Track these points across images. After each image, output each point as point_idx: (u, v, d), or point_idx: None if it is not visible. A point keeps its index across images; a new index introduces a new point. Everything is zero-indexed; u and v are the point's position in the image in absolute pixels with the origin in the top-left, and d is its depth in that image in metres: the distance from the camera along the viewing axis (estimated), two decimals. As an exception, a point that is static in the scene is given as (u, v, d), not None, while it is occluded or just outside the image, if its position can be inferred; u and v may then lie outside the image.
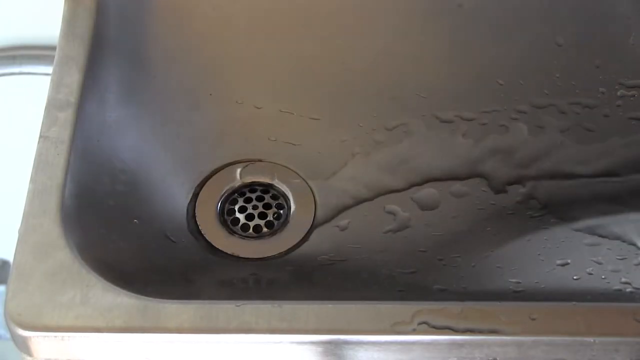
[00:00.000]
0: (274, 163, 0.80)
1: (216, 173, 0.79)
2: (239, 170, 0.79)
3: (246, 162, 0.80)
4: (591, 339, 0.60)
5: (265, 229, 0.78)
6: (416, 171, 0.79)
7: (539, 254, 0.73)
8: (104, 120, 0.75)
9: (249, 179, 0.80)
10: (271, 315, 0.61)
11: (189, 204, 0.78)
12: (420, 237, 0.76)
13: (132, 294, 0.62)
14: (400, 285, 0.72)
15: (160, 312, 0.61)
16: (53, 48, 0.75)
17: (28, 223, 0.65)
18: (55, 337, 0.60)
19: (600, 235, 0.74)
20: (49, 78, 0.73)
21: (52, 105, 0.71)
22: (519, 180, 0.78)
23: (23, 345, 0.61)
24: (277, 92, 0.81)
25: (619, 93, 0.81)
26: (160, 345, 0.61)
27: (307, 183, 0.79)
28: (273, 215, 0.78)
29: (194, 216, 0.77)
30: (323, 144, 0.80)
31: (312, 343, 0.61)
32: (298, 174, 0.79)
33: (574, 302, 0.62)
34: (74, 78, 0.72)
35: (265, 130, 0.81)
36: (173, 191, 0.78)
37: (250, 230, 0.77)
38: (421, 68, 0.82)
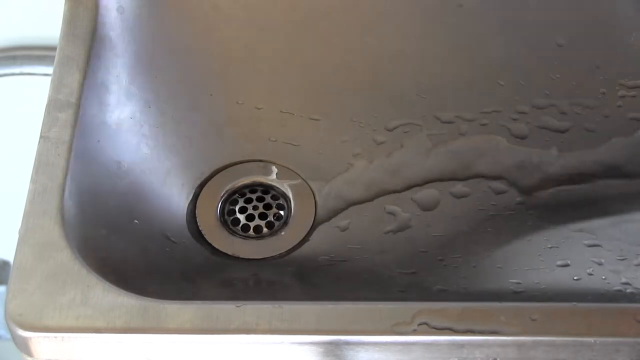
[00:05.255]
0: (275, 163, 0.80)
1: (216, 174, 0.79)
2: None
3: (246, 162, 0.80)
4: (592, 340, 0.60)
5: (265, 230, 0.78)
6: (416, 171, 0.79)
7: (539, 255, 0.73)
8: (105, 121, 0.75)
9: (249, 180, 0.80)
10: (272, 316, 0.61)
11: (189, 204, 0.78)
12: (420, 238, 0.76)
13: (133, 295, 0.62)
14: (400, 286, 0.72)
15: (160, 313, 0.61)
16: (53, 48, 0.75)
17: (28, 223, 0.65)
18: (56, 337, 0.60)
19: (600, 236, 0.74)
20: (49, 78, 0.73)
21: (53, 106, 0.71)
22: (518, 181, 0.78)
23: (23, 346, 0.61)
24: (278, 93, 0.81)
25: (619, 93, 0.81)
26: (161, 346, 0.61)
27: (307, 183, 0.79)
28: (273, 215, 0.78)
29: (194, 217, 0.77)
30: (323, 144, 0.80)
31: (313, 344, 0.61)
32: (298, 175, 0.79)
33: (574, 303, 0.62)
34: (75, 78, 0.73)
35: (265, 130, 0.81)
36: (173, 192, 0.78)
37: (251, 231, 0.78)
38: (421, 68, 0.82)
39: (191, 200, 0.78)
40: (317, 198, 0.78)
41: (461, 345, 0.61)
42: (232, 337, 0.60)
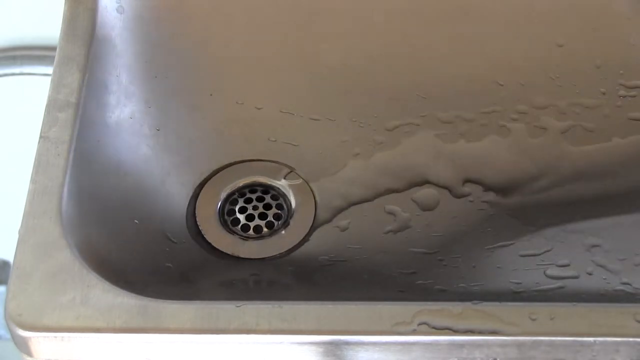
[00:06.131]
0: (275, 163, 0.80)
1: (216, 173, 0.79)
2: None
3: (246, 162, 0.80)
4: (591, 340, 0.60)
5: (265, 230, 0.78)
6: (416, 171, 0.79)
7: (539, 255, 0.73)
8: (104, 121, 0.75)
9: (249, 180, 0.80)
10: (272, 316, 0.61)
11: (189, 204, 0.78)
12: (420, 238, 0.76)
13: (133, 294, 0.62)
14: (400, 286, 0.72)
15: (160, 313, 0.61)
16: (53, 48, 0.75)
17: (28, 223, 0.65)
18: (56, 337, 0.60)
19: (601, 236, 0.74)
20: (49, 78, 0.73)
21: (52, 106, 0.71)
22: (518, 181, 0.78)
23: (23, 346, 0.61)
24: (278, 93, 0.81)
25: (619, 93, 0.81)
26: (161, 346, 0.61)
27: (307, 183, 0.79)
28: (273, 215, 0.78)
29: (194, 216, 0.77)
30: (323, 144, 0.80)
31: (313, 344, 0.61)
32: (298, 175, 0.79)
33: (574, 303, 0.62)
34: (74, 78, 0.73)
35: (265, 130, 0.81)
36: (173, 192, 0.78)
37: (251, 231, 0.78)
38: (421, 68, 0.82)
39: (191, 200, 0.78)
40: (317, 198, 0.78)
41: (461, 345, 0.61)
42: (232, 337, 0.60)
